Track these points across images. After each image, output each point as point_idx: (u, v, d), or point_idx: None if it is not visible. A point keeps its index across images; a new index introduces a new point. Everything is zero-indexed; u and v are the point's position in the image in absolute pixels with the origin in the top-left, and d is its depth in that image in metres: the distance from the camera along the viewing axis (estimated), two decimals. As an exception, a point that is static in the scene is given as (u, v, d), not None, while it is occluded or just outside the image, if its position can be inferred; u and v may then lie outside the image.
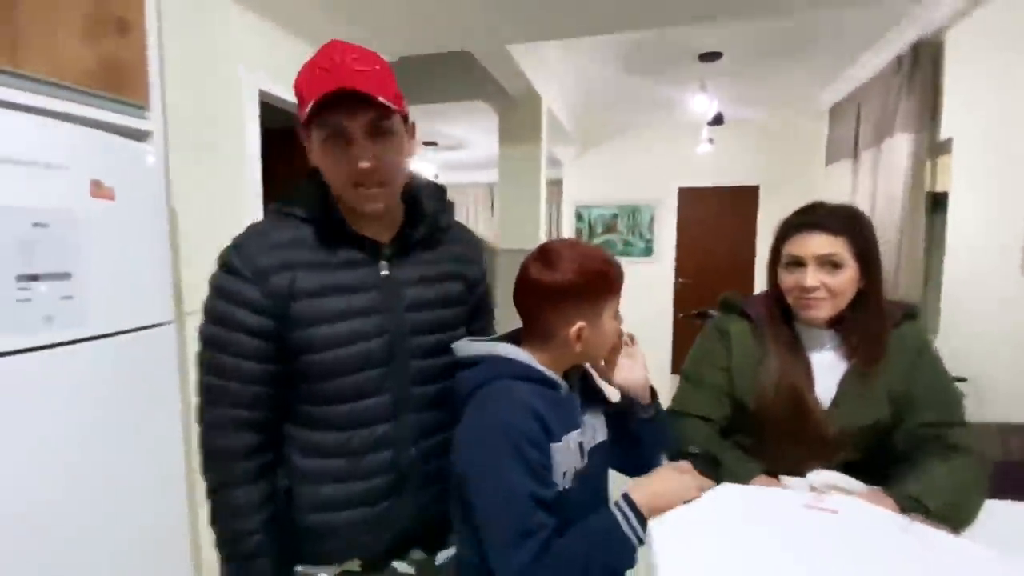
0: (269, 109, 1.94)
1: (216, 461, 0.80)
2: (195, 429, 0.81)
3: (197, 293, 0.80)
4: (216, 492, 0.80)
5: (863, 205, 2.90)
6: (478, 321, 0.98)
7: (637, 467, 0.93)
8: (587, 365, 0.93)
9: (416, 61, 2.70)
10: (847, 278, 0.94)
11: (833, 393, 0.98)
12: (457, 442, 0.78)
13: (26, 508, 1.01)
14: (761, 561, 0.71)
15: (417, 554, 0.90)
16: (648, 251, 5.24)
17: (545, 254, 0.81)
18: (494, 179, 4.36)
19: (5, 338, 0.98)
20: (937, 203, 2.58)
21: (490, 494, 0.73)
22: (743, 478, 0.95)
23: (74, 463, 1.10)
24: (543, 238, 3.80)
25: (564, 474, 0.78)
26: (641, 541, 0.75)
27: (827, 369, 0.99)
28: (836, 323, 0.99)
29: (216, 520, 0.80)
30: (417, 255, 0.87)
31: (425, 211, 0.88)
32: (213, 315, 0.78)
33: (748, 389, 1.02)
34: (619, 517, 0.76)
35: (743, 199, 4.94)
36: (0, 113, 0.98)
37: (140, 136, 1.31)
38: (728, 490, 0.89)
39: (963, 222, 2.25)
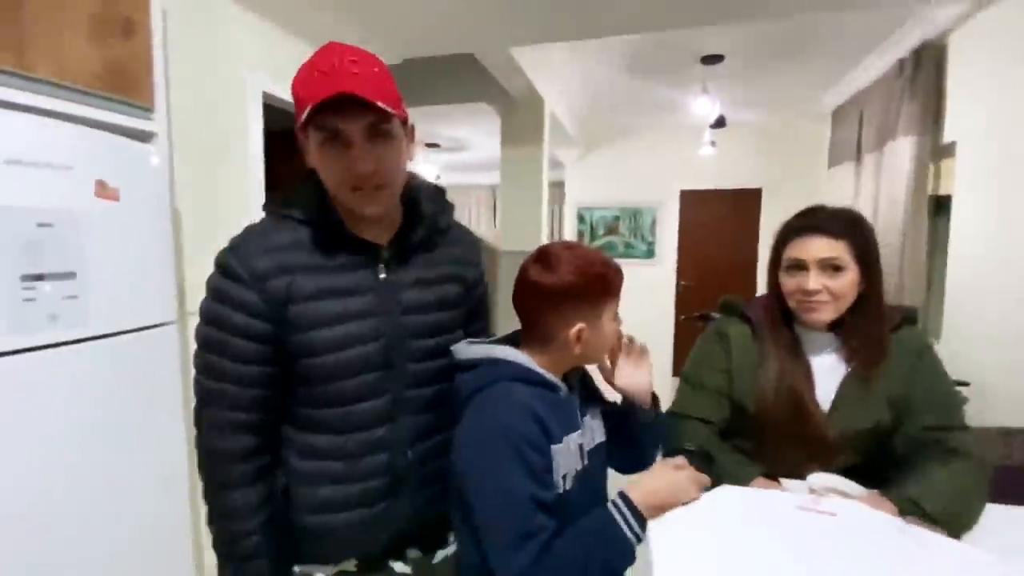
0: (272, 110, 1.95)
1: (213, 463, 0.80)
2: (193, 430, 0.81)
3: (200, 293, 0.80)
4: (213, 494, 0.80)
5: (866, 208, 2.90)
6: (476, 323, 0.98)
7: (632, 465, 0.94)
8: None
9: (419, 63, 2.71)
10: (848, 281, 0.94)
11: (833, 396, 0.98)
12: (457, 444, 0.78)
13: (28, 507, 1.02)
14: (759, 562, 0.71)
15: (414, 553, 0.90)
16: (650, 253, 5.24)
17: (544, 256, 0.81)
18: (496, 181, 4.37)
19: (10, 337, 0.98)
20: (940, 206, 2.58)
21: (490, 496, 0.73)
22: (742, 481, 0.95)
23: (76, 462, 1.11)
24: (545, 240, 3.81)
25: (564, 476, 0.78)
26: (639, 539, 0.75)
27: (827, 372, 0.99)
28: (836, 326, 0.99)
29: (213, 521, 0.81)
30: (415, 257, 0.86)
31: (424, 213, 0.87)
32: (210, 317, 0.77)
33: (748, 391, 1.02)
34: (616, 515, 0.76)
35: (745, 202, 4.93)
36: (7, 114, 0.99)
37: (144, 137, 1.32)
38: (727, 492, 0.90)
39: (966, 225, 2.25)
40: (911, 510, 0.83)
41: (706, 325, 1.15)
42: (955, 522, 0.82)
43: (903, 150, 2.57)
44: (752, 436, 1.04)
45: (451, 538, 0.93)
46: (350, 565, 0.85)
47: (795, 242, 0.98)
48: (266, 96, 1.91)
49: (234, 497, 0.79)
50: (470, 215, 7.84)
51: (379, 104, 0.71)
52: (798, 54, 3.15)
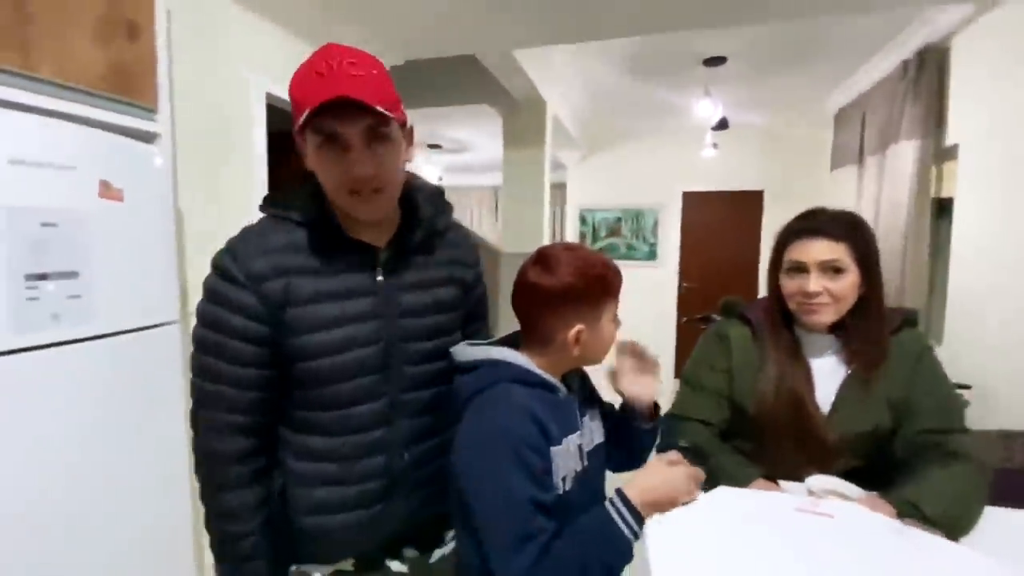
0: (271, 111, 1.96)
1: (210, 465, 0.79)
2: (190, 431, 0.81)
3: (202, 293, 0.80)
4: (211, 496, 0.80)
5: (868, 211, 2.89)
6: (474, 324, 0.98)
7: (625, 465, 0.94)
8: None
9: (421, 64, 2.71)
10: (849, 283, 0.95)
11: (833, 399, 0.98)
12: (457, 446, 0.78)
13: (29, 507, 1.02)
14: (756, 563, 0.72)
15: (411, 553, 0.90)
16: (652, 255, 5.23)
17: (543, 258, 0.81)
18: (498, 182, 4.37)
19: (14, 336, 0.99)
20: (942, 209, 2.57)
21: (490, 498, 0.73)
22: (742, 482, 0.95)
23: (78, 461, 1.11)
24: (547, 242, 3.80)
25: (564, 478, 0.78)
26: (636, 536, 0.75)
27: (827, 374, 0.99)
28: (836, 329, 0.99)
29: (211, 522, 0.81)
30: (413, 260, 0.85)
31: (422, 215, 0.86)
32: (206, 319, 0.77)
33: (747, 393, 1.02)
34: (613, 513, 0.76)
35: (747, 204, 4.92)
36: (12, 114, 1.00)
37: (148, 138, 1.33)
38: (725, 493, 0.90)
39: (968, 228, 2.24)
40: (910, 512, 0.83)
41: (708, 327, 1.15)
42: (954, 525, 0.82)
43: (906, 153, 2.57)
44: (752, 438, 1.04)
45: (448, 537, 0.93)
46: (347, 564, 0.86)
47: (796, 244, 0.99)
48: (269, 97, 1.92)
49: (231, 499, 0.78)
50: (472, 217, 7.85)
51: (378, 107, 0.70)
52: (801, 57, 3.15)
